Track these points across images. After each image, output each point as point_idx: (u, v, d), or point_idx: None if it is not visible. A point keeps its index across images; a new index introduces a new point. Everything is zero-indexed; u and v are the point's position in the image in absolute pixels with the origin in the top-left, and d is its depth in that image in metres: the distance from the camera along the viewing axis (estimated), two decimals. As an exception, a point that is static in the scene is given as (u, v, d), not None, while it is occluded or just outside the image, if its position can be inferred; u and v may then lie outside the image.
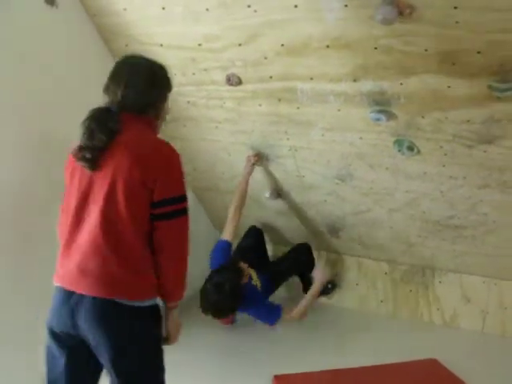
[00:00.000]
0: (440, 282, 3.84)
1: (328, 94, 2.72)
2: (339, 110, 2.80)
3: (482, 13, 2.03)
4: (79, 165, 1.84)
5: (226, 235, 3.45)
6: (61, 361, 1.87)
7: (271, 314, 3.30)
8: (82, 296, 1.79)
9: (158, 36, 2.83)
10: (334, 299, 4.16)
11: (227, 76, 2.88)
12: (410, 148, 2.82)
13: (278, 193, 3.69)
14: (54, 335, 1.88)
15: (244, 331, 3.70)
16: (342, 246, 4.02)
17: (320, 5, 2.27)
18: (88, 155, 1.80)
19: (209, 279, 3.22)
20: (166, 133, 3.52)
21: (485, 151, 2.69)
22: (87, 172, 1.83)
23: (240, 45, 2.65)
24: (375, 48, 2.36)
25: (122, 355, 1.83)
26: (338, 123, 2.89)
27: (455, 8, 2.05)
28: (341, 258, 4.14)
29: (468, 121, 2.56)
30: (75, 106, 2.88)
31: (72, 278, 1.81)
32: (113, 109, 1.90)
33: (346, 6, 2.23)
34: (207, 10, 2.53)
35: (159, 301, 1.95)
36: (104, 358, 1.83)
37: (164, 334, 2.02)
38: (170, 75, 2.06)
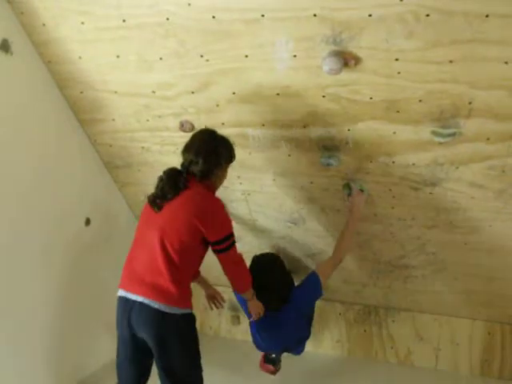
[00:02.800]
0: (393, 321, 3.90)
1: (279, 139, 2.79)
2: (290, 156, 2.87)
3: (420, 65, 2.16)
4: (150, 207, 2.56)
5: None
6: None
7: (315, 286, 3.06)
8: None
9: (113, 83, 2.85)
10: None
11: (180, 122, 2.92)
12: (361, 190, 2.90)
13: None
14: None
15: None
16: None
17: (270, 55, 2.36)
18: (158, 201, 2.52)
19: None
20: (119, 178, 3.56)
21: (431, 193, 2.79)
22: (154, 212, 2.53)
23: (193, 92, 2.71)
24: (323, 96, 2.45)
25: None
26: (289, 168, 2.95)
27: (396, 60, 2.17)
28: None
29: (413, 164, 2.66)
30: (30, 150, 2.90)
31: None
32: (183, 170, 2.57)
33: (294, 56, 2.32)
34: (161, 58, 2.58)
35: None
36: None
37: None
38: (231, 150, 2.67)
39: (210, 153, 2.55)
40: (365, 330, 3.96)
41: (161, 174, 2.61)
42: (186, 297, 2.51)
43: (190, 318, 2.56)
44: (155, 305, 2.39)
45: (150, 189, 2.65)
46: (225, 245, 2.53)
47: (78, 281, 3.35)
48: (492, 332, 3.70)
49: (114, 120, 3.10)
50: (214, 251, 2.57)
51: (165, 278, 2.41)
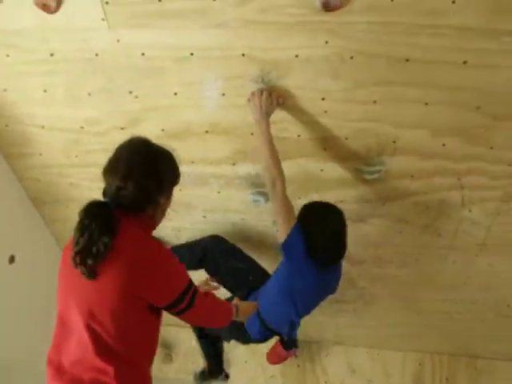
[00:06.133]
0: (326, 355, 3.91)
1: (209, 176, 2.78)
2: (219, 192, 2.86)
3: (346, 104, 2.22)
4: (76, 270, 1.61)
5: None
6: None
7: None
8: None
9: (40, 117, 2.77)
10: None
11: (110, 159, 2.87)
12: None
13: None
14: None
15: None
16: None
17: (199, 93, 2.37)
18: (90, 261, 1.58)
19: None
20: (47, 214, 3.46)
21: (359, 229, 2.84)
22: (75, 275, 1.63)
23: (122, 128, 2.66)
24: (252, 134, 2.47)
25: None
26: (219, 205, 2.94)
27: (323, 99, 2.23)
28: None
29: (342, 201, 2.69)
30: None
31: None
32: (110, 202, 1.69)
33: (223, 94, 2.34)
34: (89, 94, 2.54)
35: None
36: None
37: None
38: (174, 165, 1.86)
39: (145, 173, 1.72)
40: (298, 365, 3.95)
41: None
42: None
43: None
44: None
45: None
46: (184, 304, 1.78)
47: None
48: (422, 363, 3.78)
49: (41, 155, 3.01)
50: (172, 314, 1.83)
51: (110, 375, 1.67)
